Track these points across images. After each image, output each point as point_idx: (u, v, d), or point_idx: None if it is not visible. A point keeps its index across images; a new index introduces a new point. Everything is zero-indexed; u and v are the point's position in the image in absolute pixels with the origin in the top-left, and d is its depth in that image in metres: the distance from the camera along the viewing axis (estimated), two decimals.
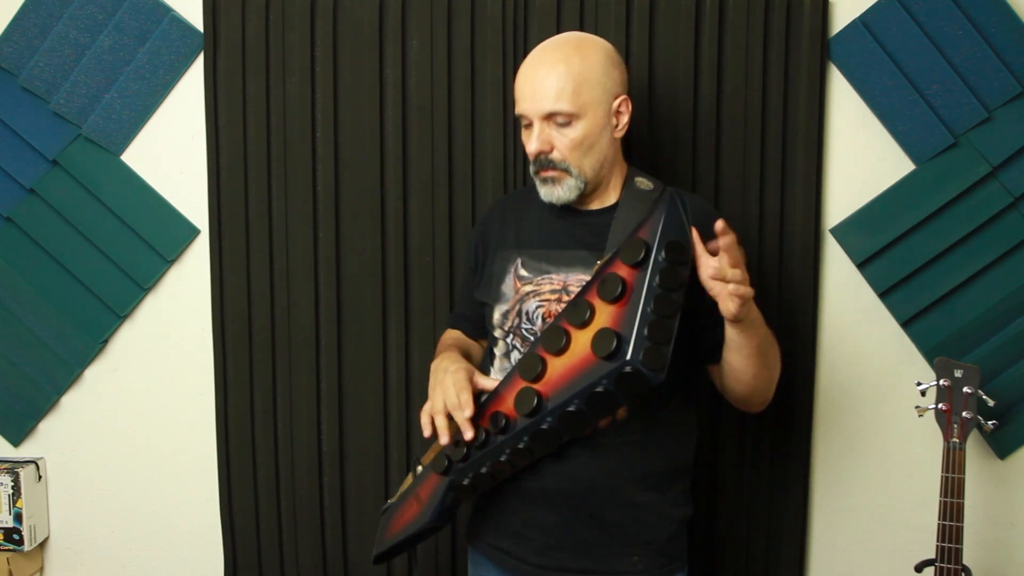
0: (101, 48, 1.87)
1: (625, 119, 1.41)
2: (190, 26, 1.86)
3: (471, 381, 1.36)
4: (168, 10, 1.86)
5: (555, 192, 1.39)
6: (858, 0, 1.78)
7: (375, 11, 1.80)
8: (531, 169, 1.42)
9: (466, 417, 1.31)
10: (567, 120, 1.35)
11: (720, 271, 1.19)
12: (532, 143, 1.37)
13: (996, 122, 1.77)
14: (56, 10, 1.86)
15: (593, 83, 1.36)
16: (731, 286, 1.19)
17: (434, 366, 1.44)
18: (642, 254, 1.22)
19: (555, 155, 1.37)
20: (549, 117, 1.35)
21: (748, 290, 1.20)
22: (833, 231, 1.84)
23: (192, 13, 1.86)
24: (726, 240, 1.18)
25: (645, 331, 1.18)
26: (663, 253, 1.22)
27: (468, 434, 1.32)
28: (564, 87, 1.34)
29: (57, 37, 1.87)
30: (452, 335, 1.64)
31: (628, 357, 1.18)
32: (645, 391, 1.21)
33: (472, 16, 1.79)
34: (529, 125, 1.39)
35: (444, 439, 1.34)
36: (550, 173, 1.38)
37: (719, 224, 1.18)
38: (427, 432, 1.35)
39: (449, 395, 1.34)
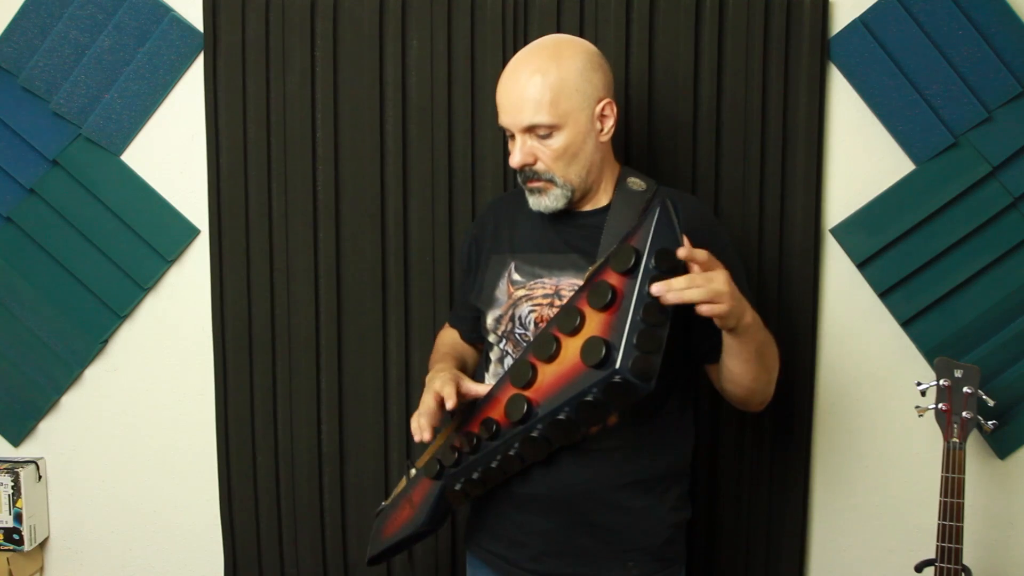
0: (101, 48, 1.87)
1: (610, 123, 1.38)
2: (190, 26, 1.86)
3: (458, 384, 1.36)
4: (168, 10, 1.86)
5: (542, 202, 1.39)
6: (858, 0, 1.78)
7: (375, 11, 1.80)
8: (518, 179, 1.41)
9: (449, 406, 1.32)
10: (548, 132, 1.33)
11: (667, 284, 1.16)
12: (515, 155, 1.36)
13: (996, 122, 1.77)
14: (56, 10, 1.86)
15: (571, 91, 1.32)
16: (691, 292, 1.16)
17: (427, 379, 1.44)
18: (632, 261, 1.20)
19: (539, 166, 1.36)
20: (529, 129, 1.33)
21: (696, 293, 1.16)
22: (833, 231, 1.84)
23: (192, 13, 1.86)
24: (684, 253, 1.16)
25: (634, 340, 1.16)
26: (653, 261, 1.19)
27: (450, 403, 1.32)
28: (542, 98, 1.31)
29: (57, 37, 1.87)
30: (448, 340, 1.63)
31: (617, 366, 1.16)
32: (635, 400, 1.20)
33: (472, 16, 1.79)
34: (512, 136, 1.37)
35: (422, 437, 1.32)
36: (536, 184, 1.38)
37: (680, 252, 1.16)
38: (417, 437, 1.34)
39: (429, 396, 1.35)
